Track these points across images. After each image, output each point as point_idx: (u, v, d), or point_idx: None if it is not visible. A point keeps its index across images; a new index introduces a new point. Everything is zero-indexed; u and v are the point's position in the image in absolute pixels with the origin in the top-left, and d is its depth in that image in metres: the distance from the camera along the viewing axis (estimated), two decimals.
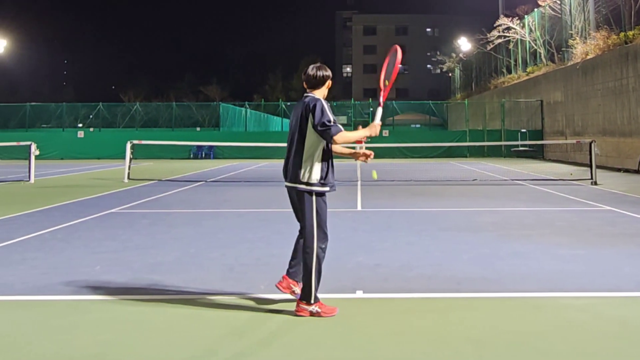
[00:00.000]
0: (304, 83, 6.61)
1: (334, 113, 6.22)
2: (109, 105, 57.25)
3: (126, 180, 23.38)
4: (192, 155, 47.05)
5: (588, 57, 33.75)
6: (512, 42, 51.20)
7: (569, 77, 36.90)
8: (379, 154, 41.26)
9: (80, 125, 61.19)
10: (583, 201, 16.43)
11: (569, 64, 37.13)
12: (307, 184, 6.35)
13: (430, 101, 60.26)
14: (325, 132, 6.25)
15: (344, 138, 6.28)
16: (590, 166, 22.07)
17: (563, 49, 39.66)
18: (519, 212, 14.38)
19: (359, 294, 7.07)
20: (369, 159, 6.74)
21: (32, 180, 23.42)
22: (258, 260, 9.01)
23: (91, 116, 60.34)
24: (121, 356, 5.24)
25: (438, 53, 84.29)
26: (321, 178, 6.38)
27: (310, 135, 6.35)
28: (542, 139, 41.35)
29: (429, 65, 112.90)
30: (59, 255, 9.43)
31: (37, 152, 24.87)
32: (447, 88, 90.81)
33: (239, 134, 50.58)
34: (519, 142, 41.25)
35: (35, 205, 15.75)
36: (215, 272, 8.24)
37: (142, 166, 34.74)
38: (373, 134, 6.53)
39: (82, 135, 48.18)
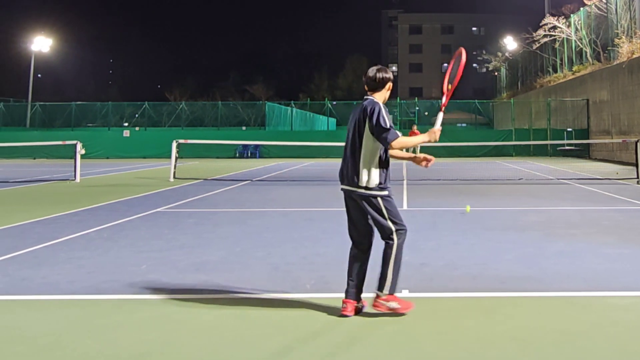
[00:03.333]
0: (365, 85, 6.56)
1: None
2: (154, 105, 57.64)
3: (172, 179, 23.55)
4: (237, 155, 47.06)
5: (634, 56, 33.35)
6: (558, 41, 50.81)
7: (615, 76, 36.47)
8: (425, 152, 41.16)
9: (125, 124, 61.80)
10: (629, 200, 16.23)
11: (614, 63, 36.72)
12: (367, 188, 6.25)
13: (476, 100, 59.91)
14: (382, 137, 6.14)
15: (400, 143, 6.20)
16: (636, 165, 21.89)
17: (609, 47, 39.24)
18: (564, 211, 14.23)
19: (405, 293, 6.99)
20: (430, 163, 6.65)
21: (78, 179, 23.66)
22: (304, 259, 9.00)
23: (137, 115, 60.94)
24: (166, 355, 5.28)
25: (484, 52, 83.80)
26: (380, 183, 6.28)
27: (368, 139, 6.24)
28: (588, 138, 41.04)
29: (474, 64, 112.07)
30: (104, 255, 9.52)
31: (83, 151, 25.07)
32: (493, 87, 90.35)
33: (284, 133, 50.69)
34: (565, 141, 40.92)
35: (81, 205, 15.90)
36: (260, 272, 8.24)
37: (187, 165, 34.96)
38: (432, 140, 6.45)
39: (128, 135, 48.32)
